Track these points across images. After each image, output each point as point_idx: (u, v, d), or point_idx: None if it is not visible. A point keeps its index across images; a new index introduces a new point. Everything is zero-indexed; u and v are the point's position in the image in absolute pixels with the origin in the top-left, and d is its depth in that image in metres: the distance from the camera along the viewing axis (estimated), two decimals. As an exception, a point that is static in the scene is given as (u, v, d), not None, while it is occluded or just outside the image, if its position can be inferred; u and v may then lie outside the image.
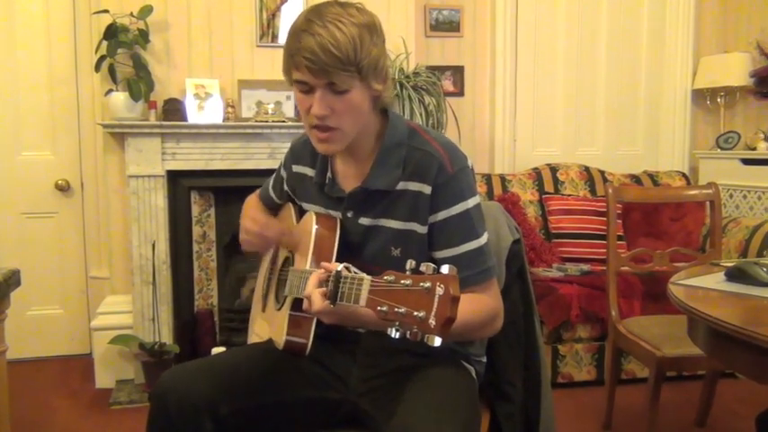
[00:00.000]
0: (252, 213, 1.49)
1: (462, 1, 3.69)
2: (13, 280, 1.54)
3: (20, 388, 2.88)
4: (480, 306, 1.22)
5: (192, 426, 1.21)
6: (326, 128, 1.21)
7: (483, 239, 1.27)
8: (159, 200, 2.92)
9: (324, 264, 1.13)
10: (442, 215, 1.25)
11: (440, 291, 0.91)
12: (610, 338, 2.45)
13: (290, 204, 1.52)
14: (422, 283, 0.92)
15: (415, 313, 0.91)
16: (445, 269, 0.93)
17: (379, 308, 0.96)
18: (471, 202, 1.26)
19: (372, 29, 1.19)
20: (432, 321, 0.90)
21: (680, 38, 3.91)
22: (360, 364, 1.35)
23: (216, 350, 2.76)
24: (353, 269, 1.06)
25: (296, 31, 1.17)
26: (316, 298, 1.09)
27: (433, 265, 0.94)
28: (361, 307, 1.01)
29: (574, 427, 2.54)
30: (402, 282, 0.95)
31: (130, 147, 2.85)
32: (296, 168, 1.45)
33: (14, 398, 1.60)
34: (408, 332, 0.93)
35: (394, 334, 0.94)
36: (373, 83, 1.21)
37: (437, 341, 0.90)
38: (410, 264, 0.97)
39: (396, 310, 0.93)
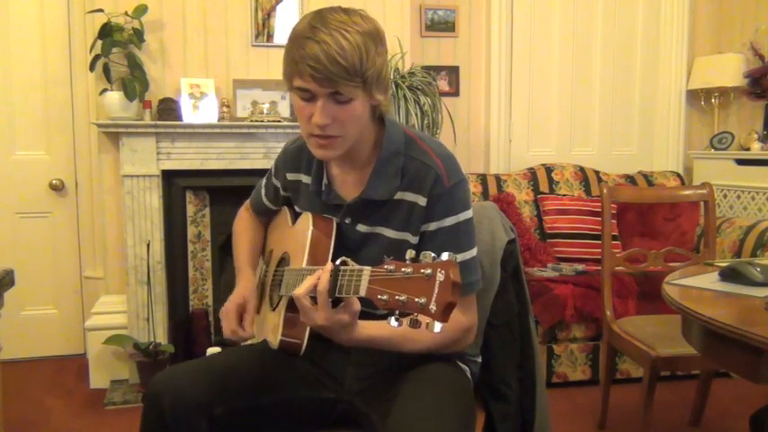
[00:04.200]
0: (229, 319, 1.39)
1: (457, 1, 3.69)
2: (6, 280, 1.54)
3: (14, 388, 2.87)
4: (450, 324, 1.21)
5: (187, 427, 1.21)
6: (326, 136, 1.20)
7: (469, 254, 1.27)
8: (154, 200, 2.91)
9: (316, 273, 1.11)
10: (433, 226, 1.25)
11: (440, 276, 0.91)
12: (604, 338, 2.45)
13: (285, 207, 1.52)
14: (422, 270, 0.92)
15: (417, 300, 0.91)
16: (445, 256, 0.93)
17: (379, 296, 0.96)
18: (462, 217, 1.26)
19: (377, 38, 1.17)
20: (432, 307, 0.90)
21: (674, 38, 3.92)
22: (354, 364, 1.35)
23: (211, 350, 2.73)
24: (351, 262, 1.06)
25: (299, 38, 1.14)
26: (321, 299, 1.08)
27: (432, 254, 0.94)
28: (356, 329, 1.03)
29: (569, 427, 2.55)
30: (402, 270, 0.95)
31: (125, 146, 2.85)
32: (290, 176, 1.44)
33: (8, 398, 1.58)
34: (410, 321, 0.93)
35: (393, 323, 0.95)
36: (376, 93, 1.19)
37: (437, 327, 0.91)
38: (410, 253, 0.97)
39: (396, 298, 0.93)
